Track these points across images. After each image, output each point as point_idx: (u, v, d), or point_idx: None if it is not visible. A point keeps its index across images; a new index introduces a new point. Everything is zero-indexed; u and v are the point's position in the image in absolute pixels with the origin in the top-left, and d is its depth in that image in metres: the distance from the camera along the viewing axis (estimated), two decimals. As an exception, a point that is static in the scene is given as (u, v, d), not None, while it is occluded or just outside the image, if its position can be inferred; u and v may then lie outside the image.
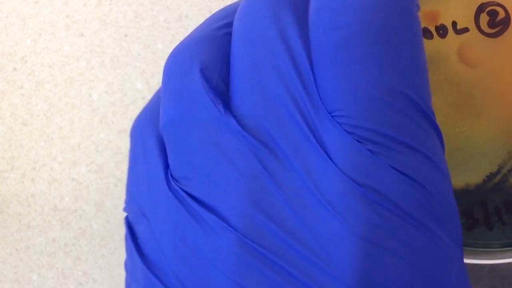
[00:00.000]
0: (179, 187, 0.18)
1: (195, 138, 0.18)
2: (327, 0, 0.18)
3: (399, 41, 0.17)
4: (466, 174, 0.22)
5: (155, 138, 0.19)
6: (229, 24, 0.19)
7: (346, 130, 0.16)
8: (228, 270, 0.16)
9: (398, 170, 0.16)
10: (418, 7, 0.18)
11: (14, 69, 0.30)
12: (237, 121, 0.17)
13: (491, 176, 0.22)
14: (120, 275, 0.28)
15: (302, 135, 0.17)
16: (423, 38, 0.22)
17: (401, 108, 0.17)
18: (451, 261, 0.17)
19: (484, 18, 0.22)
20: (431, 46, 0.22)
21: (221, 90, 0.18)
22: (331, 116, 0.17)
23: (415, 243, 0.16)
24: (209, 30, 0.19)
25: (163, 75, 0.19)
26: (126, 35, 0.29)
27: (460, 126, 0.22)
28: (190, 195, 0.17)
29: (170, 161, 0.18)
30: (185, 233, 0.17)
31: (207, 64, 0.18)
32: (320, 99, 0.17)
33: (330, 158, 0.16)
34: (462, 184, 0.22)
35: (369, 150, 0.16)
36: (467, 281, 0.17)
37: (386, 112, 0.16)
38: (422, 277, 0.16)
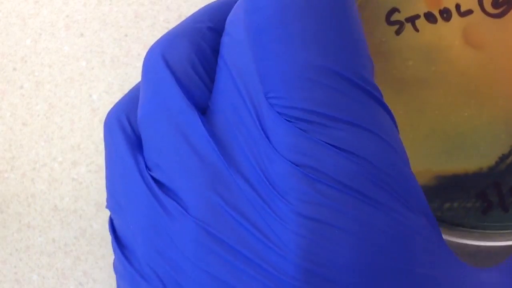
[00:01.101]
0: (150, 174, 0.18)
1: (166, 127, 0.18)
2: None
3: (322, 17, 0.17)
4: (478, 157, 0.22)
5: (121, 132, 0.20)
6: (209, 21, 0.20)
7: (278, 111, 0.17)
8: (191, 255, 0.17)
9: (334, 146, 0.16)
10: None
11: (14, 69, 0.30)
12: (208, 113, 0.18)
13: (503, 158, 0.22)
14: (120, 275, 0.28)
15: (252, 121, 0.17)
16: (428, 22, 0.22)
17: (330, 84, 0.17)
18: (411, 231, 0.16)
19: None
20: (435, 30, 0.22)
21: (195, 83, 0.19)
22: (266, 98, 0.17)
23: (362, 216, 0.16)
24: (188, 28, 0.20)
25: (142, 70, 0.20)
26: (126, 35, 0.29)
27: (469, 109, 0.22)
28: (158, 182, 0.18)
29: (144, 150, 0.19)
30: (155, 221, 0.18)
31: (181, 60, 0.19)
32: (260, 82, 0.17)
33: (270, 141, 0.17)
34: (475, 168, 0.22)
35: (302, 129, 0.16)
36: (441, 247, 0.17)
37: (313, 89, 0.17)
38: (375, 249, 0.16)
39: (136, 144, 0.19)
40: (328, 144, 0.16)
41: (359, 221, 0.16)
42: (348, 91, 0.17)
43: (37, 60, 0.30)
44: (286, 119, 0.17)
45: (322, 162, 0.16)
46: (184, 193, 0.17)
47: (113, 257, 0.28)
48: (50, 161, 0.29)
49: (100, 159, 0.28)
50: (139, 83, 0.21)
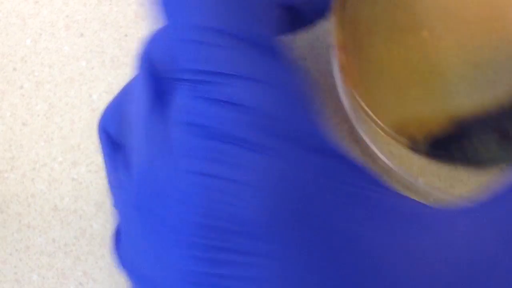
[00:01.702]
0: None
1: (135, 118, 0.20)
2: None
3: None
4: (497, 92, 0.22)
5: (105, 139, 0.21)
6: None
7: (166, 76, 0.17)
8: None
9: (221, 101, 0.17)
10: None
11: (14, 69, 0.30)
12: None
13: None
14: (120, 275, 0.28)
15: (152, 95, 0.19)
16: None
17: (214, 42, 0.17)
18: (312, 173, 0.16)
19: None
20: None
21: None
22: (154, 65, 0.18)
23: (257, 165, 0.16)
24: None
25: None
26: (126, 35, 0.29)
27: (487, 46, 0.21)
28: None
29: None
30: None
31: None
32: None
33: (166, 107, 0.18)
34: (494, 105, 0.22)
35: (190, 90, 0.17)
36: (357, 184, 0.17)
37: (195, 50, 0.17)
38: (275, 195, 0.16)
39: (117, 147, 0.21)
40: (215, 99, 0.17)
41: (254, 170, 0.16)
42: (233, 46, 0.17)
43: (37, 60, 0.30)
44: (174, 82, 0.17)
45: (210, 118, 0.16)
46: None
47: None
48: (50, 161, 0.29)
49: (100, 159, 0.28)
50: (125, 85, 0.22)
